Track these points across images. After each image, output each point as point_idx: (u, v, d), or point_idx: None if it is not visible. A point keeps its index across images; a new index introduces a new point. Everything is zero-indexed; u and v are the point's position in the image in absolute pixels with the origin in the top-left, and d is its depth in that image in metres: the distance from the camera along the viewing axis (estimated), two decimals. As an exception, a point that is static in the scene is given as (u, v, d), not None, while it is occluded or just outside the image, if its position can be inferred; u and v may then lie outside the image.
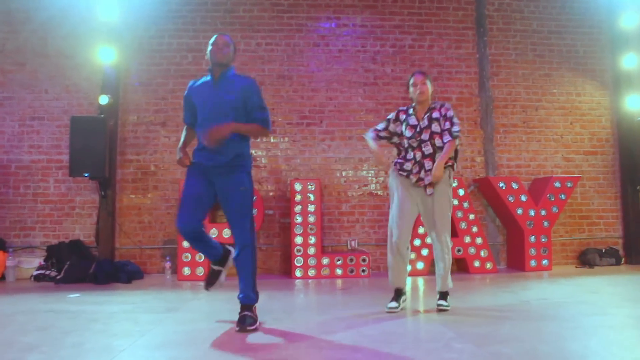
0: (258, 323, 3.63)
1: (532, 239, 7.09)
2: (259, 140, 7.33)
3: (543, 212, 7.12)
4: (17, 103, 7.31)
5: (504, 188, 7.10)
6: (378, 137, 4.54)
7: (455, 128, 4.27)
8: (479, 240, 7.05)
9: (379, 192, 7.53)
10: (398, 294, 4.34)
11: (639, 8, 7.72)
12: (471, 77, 7.78)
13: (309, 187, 6.92)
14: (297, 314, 4.32)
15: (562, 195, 7.20)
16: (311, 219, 6.87)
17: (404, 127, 4.39)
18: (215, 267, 3.89)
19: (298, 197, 6.89)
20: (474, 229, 7.04)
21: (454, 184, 6.68)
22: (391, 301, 4.28)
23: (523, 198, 7.10)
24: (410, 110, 4.43)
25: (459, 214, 7.01)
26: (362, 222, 7.48)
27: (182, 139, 3.94)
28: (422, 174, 4.26)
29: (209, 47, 3.77)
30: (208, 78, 3.82)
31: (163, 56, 7.48)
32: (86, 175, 6.72)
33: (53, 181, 7.27)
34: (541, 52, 7.94)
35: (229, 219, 3.73)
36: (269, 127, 3.80)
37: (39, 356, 2.87)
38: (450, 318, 3.90)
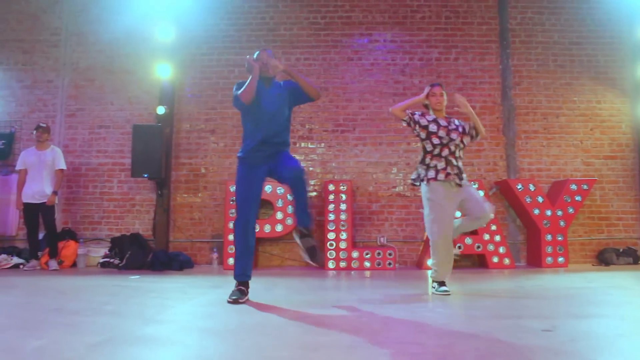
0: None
1: (549, 237, 7.61)
2: (297, 145, 8.18)
3: (559, 213, 7.63)
4: (88, 114, 8.38)
5: (521, 190, 7.65)
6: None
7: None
8: (497, 238, 7.61)
9: (406, 194, 8.21)
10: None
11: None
12: (494, 87, 8.37)
13: (341, 187, 7.67)
14: (318, 290, 5.06)
15: (578, 197, 7.68)
16: (343, 216, 7.61)
17: (433, 126, 4.80)
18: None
19: (331, 197, 7.64)
20: (493, 227, 7.60)
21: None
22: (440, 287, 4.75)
23: (539, 199, 7.63)
24: (433, 116, 4.90)
25: (479, 213, 7.59)
26: (391, 220, 8.17)
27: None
28: (449, 170, 4.75)
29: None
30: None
31: (213, 71, 8.41)
32: (145, 175, 7.68)
33: (117, 182, 8.29)
34: (562, 62, 8.45)
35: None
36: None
37: (112, 307, 3.76)
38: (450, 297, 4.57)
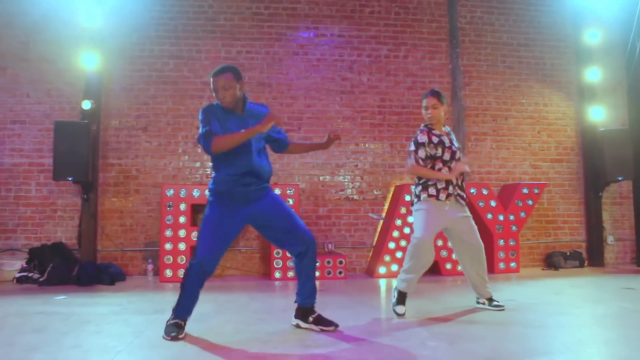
0: None
1: (501, 242, 7.45)
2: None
3: (511, 217, 7.48)
4: (-2, 107, 7.38)
5: (474, 194, 7.42)
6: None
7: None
8: (450, 244, 7.34)
9: (354, 197, 7.80)
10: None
11: (601, 25, 8.15)
12: (444, 87, 8.09)
13: (288, 192, 7.15)
14: (280, 314, 4.52)
15: (530, 201, 7.57)
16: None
17: (440, 150, 4.42)
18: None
19: (277, 202, 7.10)
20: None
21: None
22: (398, 305, 4.42)
23: (492, 203, 7.45)
24: (436, 131, 4.48)
25: (432, 219, 7.32)
26: (339, 225, 7.74)
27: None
28: (450, 189, 4.44)
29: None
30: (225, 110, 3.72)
31: (145, 62, 7.62)
32: (70, 179, 6.82)
33: (35, 184, 7.35)
34: (511, 63, 8.32)
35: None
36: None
37: (42, 356, 3.05)
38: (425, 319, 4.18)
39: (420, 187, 4.48)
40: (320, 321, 3.81)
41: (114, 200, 7.46)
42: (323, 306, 4.24)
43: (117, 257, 7.36)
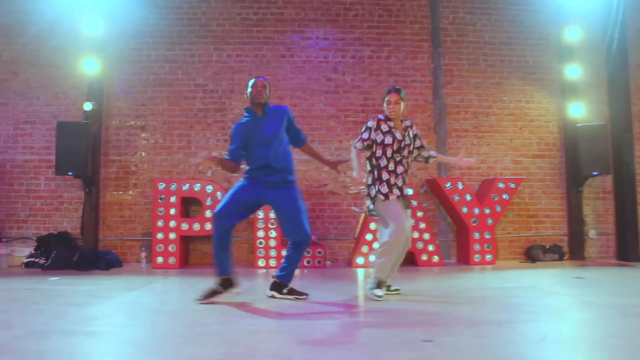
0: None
1: (477, 235, 7.74)
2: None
3: (487, 211, 7.76)
4: (12, 108, 8.12)
5: (450, 188, 7.75)
6: (365, 147, 4.91)
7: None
8: (426, 236, 7.70)
9: (338, 192, 8.23)
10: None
11: (581, 22, 8.32)
12: (426, 86, 8.44)
13: (271, 186, 7.63)
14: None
15: (505, 195, 7.83)
16: (272, 214, 7.57)
17: (388, 137, 4.83)
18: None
19: (261, 195, 7.60)
20: (422, 226, 7.69)
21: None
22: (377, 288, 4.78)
23: (468, 197, 7.75)
24: (391, 123, 4.89)
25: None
26: (323, 218, 8.18)
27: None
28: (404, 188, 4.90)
29: (249, 89, 4.72)
30: (249, 117, 4.76)
31: (143, 66, 8.25)
32: (70, 173, 7.51)
33: (44, 179, 8.07)
34: (492, 62, 8.57)
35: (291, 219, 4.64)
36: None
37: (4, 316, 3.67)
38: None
39: (377, 184, 4.92)
40: (293, 291, 4.72)
41: (114, 194, 8.11)
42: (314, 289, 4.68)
43: (117, 245, 8.00)
